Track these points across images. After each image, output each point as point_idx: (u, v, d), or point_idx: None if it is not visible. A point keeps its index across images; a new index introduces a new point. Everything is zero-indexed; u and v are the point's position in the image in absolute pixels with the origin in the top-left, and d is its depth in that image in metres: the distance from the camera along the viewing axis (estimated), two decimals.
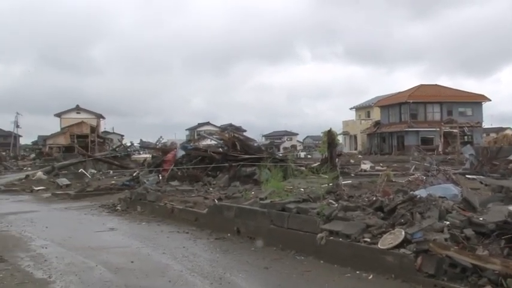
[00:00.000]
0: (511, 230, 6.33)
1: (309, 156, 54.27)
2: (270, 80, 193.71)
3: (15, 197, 20.72)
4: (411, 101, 59.36)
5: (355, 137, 72.65)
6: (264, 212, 9.68)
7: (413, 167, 22.04)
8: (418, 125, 58.60)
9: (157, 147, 36.12)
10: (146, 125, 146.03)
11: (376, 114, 70.14)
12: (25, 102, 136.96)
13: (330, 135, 19.53)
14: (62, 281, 6.97)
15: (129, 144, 51.58)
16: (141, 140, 70.49)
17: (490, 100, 63.03)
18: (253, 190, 13.78)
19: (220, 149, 22.89)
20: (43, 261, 8.23)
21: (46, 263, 8.10)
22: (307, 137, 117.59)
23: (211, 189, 16.57)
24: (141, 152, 49.56)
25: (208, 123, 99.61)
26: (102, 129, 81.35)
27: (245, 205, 10.86)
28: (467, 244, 6.28)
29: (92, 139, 66.04)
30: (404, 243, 6.65)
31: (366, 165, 27.90)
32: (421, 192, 9.05)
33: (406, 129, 58.35)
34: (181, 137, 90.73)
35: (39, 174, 28.23)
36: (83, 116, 74.01)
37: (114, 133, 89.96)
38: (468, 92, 63.69)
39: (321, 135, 21.95)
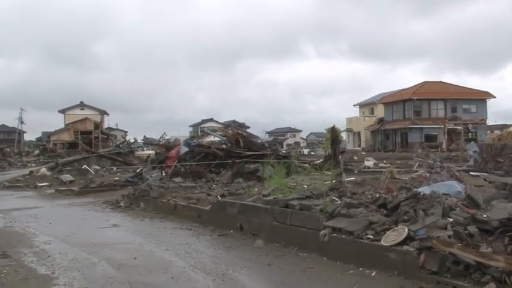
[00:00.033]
0: None
1: (312, 153, 54.14)
2: (274, 77, 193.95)
3: (19, 193, 20.78)
4: (415, 98, 59.20)
5: (359, 133, 72.54)
6: (267, 208, 9.67)
7: (417, 164, 21.98)
8: (422, 122, 58.46)
9: (161, 143, 36.18)
10: (150, 122, 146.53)
11: (379, 111, 70.01)
12: (29, 98, 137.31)
13: (334, 132, 19.49)
14: (65, 277, 6.98)
15: (132, 140, 51.54)
16: (144, 136, 70.51)
17: (495, 97, 62.76)
18: (257, 187, 13.79)
19: (224, 146, 22.90)
20: (46, 257, 8.26)
21: (49, 259, 8.12)
22: (311, 133, 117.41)
23: (214, 185, 16.60)
24: (145, 149, 49.63)
25: (211, 120, 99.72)
26: (105, 125, 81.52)
27: (248, 202, 10.86)
28: (470, 241, 6.26)
29: (96, 135, 66.07)
30: (408, 240, 6.63)
31: (370, 162, 27.87)
32: (425, 189, 9.02)
33: (410, 126, 58.21)
34: (184, 133, 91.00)
35: (43, 170, 28.30)
36: (86, 112, 74.13)
37: (117, 129, 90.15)
38: (472, 89, 63.48)
39: (325, 132, 21.89)
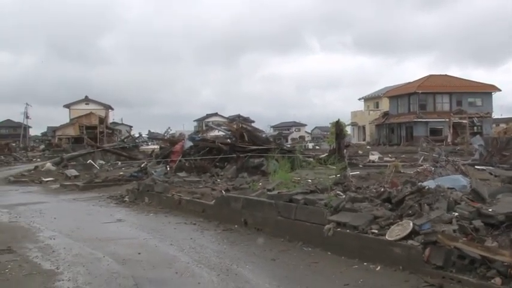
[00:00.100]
0: None
1: (317, 147, 54.05)
2: (278, 71, 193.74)
3: (25, 188, 20.88)
4: (420, 92, 58.91)
5: (364, 127, 72.34)
6: (272, 203, 9.66)
7: (422, 158, 21.86)
8: (427, 116, 58.19)
9: (165, 138, 36.27)
10: (154, 116, 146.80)
11: (384, 105, 69.72)
12: (34, 93, 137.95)
13: (338, 126, 19.49)
14: (70, 272, 7.00)
15: (137, 135, 51.77)
16: (149, 131, 70.84)
17: (500, 90, 62.34)
18: (261, 181, 13.76)
19: (228, 140, 22.85)
20: (51, 252, 8.28)
21: (54, 254, 8.14)
22: (316, 127, 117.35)
23: (218, 180, 16.57)
24: (149, 143, 49.65)
25: (216, 114, 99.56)
26: (110, 120, 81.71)
27: (252, 196, 10.84)
28: (476, 235, 6.23)
29: (101, 130, 66.14)
30: (412, 234, 6.60)
31: (374, 156, 27.77)
32: (430, 183, 8.98)
33: (415, 120, 57.95)
34: (189, 128, 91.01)
35: (48, 165, 28.40)
36: (91, 107, 74.27)
37: (122, 124, 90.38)
38: (478, 82, 63.10)
39: (329, 126, 21.87)
